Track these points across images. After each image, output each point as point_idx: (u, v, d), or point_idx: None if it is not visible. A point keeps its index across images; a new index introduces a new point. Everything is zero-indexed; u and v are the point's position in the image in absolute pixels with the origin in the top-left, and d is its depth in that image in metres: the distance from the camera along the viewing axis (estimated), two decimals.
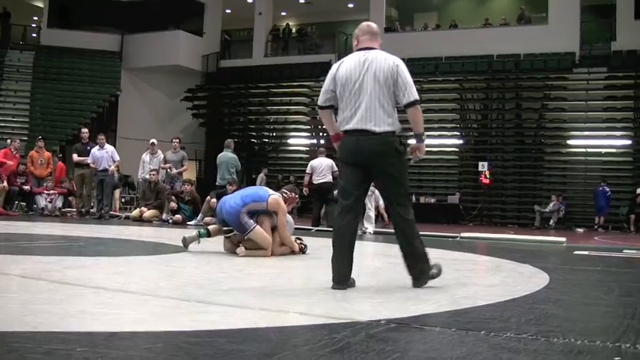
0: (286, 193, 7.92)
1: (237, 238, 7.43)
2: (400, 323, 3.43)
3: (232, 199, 7.50)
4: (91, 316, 3.35)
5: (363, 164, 4.78)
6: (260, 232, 7.25)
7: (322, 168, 14.72)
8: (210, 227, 7.90)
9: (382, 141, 4.74)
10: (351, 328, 3.25)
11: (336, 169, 14.25)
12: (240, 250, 7.18)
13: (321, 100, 4.92)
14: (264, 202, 7.38)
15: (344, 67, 4.84)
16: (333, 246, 4.75)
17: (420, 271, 4.87)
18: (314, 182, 14.88)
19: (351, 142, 4.78)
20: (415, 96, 4.89)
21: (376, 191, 14.58)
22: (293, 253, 7.72)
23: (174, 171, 15.69)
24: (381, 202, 17.91)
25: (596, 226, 22.22)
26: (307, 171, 15.25)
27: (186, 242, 7.56)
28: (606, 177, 23.58)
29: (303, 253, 7.80)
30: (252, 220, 7.25)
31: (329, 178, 14.63)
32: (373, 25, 5.10)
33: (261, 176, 25.78)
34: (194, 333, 3.01)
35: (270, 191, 7.71)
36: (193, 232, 7.72)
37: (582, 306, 4.51)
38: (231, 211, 7.32)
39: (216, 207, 7.90)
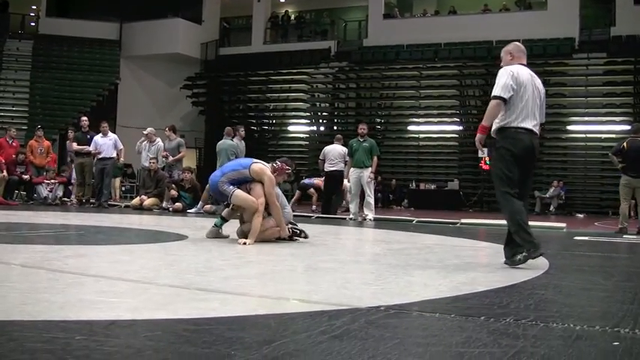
0: (276, 164, 7.78)
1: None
2: (400, 309, 3.43)
3: (214, 174, 7.59)
4: (90, 304, 3.35)
5: (526, 158, 5.61)
6: (240, 194, 7.23)
7: (334, 155, 14.64)
8: (223, 213, 7.88)
9: (538, 142, 5.72)
10: (350, 314, 3.25)
11: (347, 158, 14.16)
12: (241, 240, 7.13)
13: (505, 94, 5.54)
14: (247, 169, 7.34)
15: (521, 74, 5.64)
16: (520, 223, 5.47)
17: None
18: (325, 170, 14.83)
19: (526, 140, 5.57)
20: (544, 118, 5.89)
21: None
22: (279, 238, 7.50)
23: (170, 159, 15.55)
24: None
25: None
26: (320, 157, 15.19)
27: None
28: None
29: (298, 236, 7.66)
30: (231, 187, 7.24)
31: (340, 167, 14.55)
32: (522, 46, 6.03)
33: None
34: (194, 321, 3.01)
35: (256, 160, 7.61)
36: (210, 227, 7.69)
37: (582, 291, 4.52)
38: (211, 183, 7.45)
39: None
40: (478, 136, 5.68)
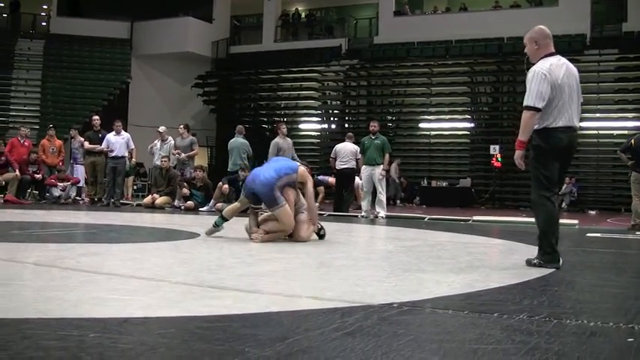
0: (306, 166, 8.04)
1: (268, 217, 7.39)
2: (413, 306, 3.43)
3: (266, 172, 7.37)
4: (103, 302, 3.36)
5: (564, 155, 5.39)
6: (287, 212, 7.16)
7: (345, 153, 14.60)
8: (223, 212, 7.82)
9: (577, 137, 5.50)
10: (363, 311, 3.25)
11: (359, 156, 14.12)
12: (255, 236, 7.13)
13: (539, 104, 5.18)
14: (295, 173, 7.40)
15: (554, 71, 5.26)
16: (549, 231, 5.21)
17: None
18: (336, 167, 14.79)
19: (565, 139, 5.26)
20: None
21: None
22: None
23: (183, 155, 15.55)
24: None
25: None
26: (331, 155, 15.14)
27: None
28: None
29: (317, 234, 7.66)
30: (283, 197, 7.19)
31: (352, 164, 14.52)
32: (547, 29, 5.51)
33: (394, 166, 24.74)
34: (206, 318, 3.02)
35: (298, 162, 7.92)
36: (209, 226, 7.66)
37: (595, 288, 4.50)
38: (265, 182, 7.19)
39: (248, 178, 7.75)
40: (517, 153, 5.35)
